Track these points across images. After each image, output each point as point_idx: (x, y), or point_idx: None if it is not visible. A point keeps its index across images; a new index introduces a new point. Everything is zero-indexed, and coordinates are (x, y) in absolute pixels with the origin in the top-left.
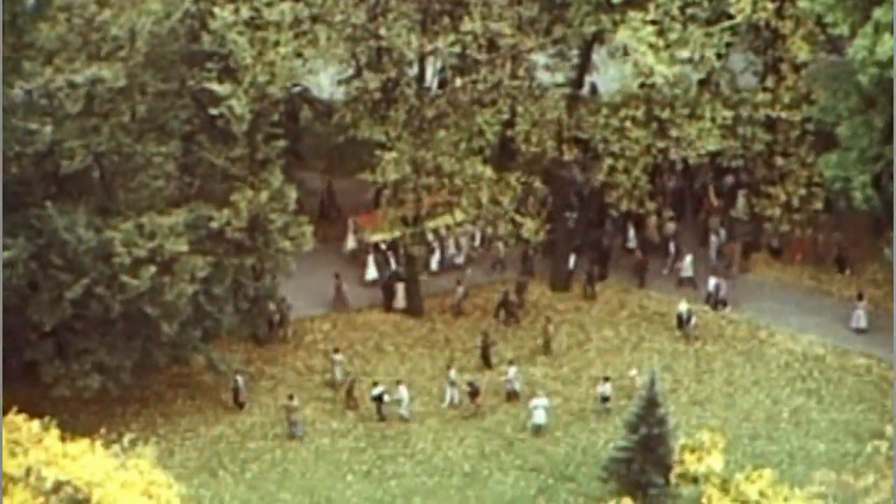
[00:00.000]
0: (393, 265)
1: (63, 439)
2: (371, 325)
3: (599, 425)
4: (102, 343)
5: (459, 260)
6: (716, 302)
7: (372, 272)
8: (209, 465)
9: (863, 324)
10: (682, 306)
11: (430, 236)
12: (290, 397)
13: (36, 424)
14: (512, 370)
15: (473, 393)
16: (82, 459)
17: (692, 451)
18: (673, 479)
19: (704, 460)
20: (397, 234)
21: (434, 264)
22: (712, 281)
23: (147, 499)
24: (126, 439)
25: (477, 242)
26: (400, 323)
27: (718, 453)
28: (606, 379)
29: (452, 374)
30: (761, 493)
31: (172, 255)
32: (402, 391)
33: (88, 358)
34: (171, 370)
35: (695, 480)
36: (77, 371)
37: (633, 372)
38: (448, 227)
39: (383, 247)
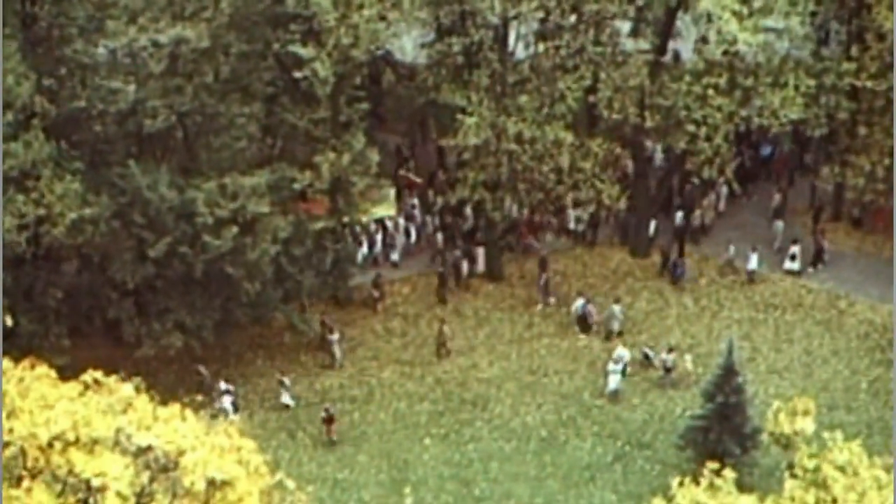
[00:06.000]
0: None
1: (152, 401)
2: (450, 289)
3: (677, 393)
4: (183, 302)
5: (395, 257)
6: (608, 333)
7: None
8: (288, 427)
9: None
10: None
11: (358, 229)
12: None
13: (129, 387)
14: (616, 308)
15: (328, 419)
16: (173, 423)
17: (787, 413)
18: (765, 438)
19: (796, 423)
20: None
21: (360, 258)
22: (579, 301)
23: (238, 465)
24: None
25: (413, 238)
26: (479, 287)
27: (810, 418)
28: (671, 349)
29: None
30: (849, 462)
31: (254, 215)
32: (285, 395)
33: (170, 317)
34: (252, 331)
35: (785, 445)
36: (159, 330)
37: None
38: (378, 221)
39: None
